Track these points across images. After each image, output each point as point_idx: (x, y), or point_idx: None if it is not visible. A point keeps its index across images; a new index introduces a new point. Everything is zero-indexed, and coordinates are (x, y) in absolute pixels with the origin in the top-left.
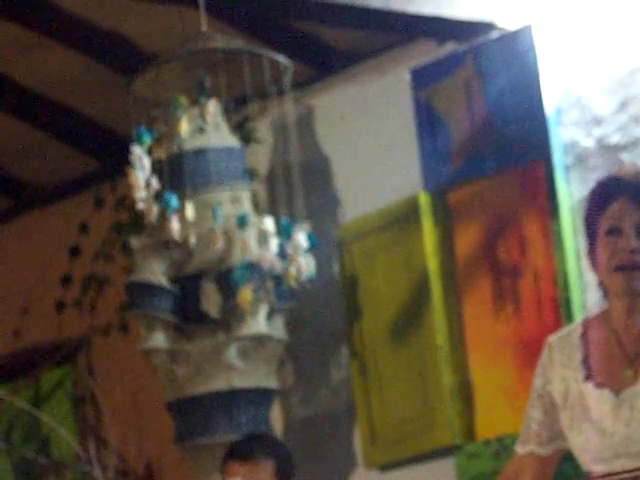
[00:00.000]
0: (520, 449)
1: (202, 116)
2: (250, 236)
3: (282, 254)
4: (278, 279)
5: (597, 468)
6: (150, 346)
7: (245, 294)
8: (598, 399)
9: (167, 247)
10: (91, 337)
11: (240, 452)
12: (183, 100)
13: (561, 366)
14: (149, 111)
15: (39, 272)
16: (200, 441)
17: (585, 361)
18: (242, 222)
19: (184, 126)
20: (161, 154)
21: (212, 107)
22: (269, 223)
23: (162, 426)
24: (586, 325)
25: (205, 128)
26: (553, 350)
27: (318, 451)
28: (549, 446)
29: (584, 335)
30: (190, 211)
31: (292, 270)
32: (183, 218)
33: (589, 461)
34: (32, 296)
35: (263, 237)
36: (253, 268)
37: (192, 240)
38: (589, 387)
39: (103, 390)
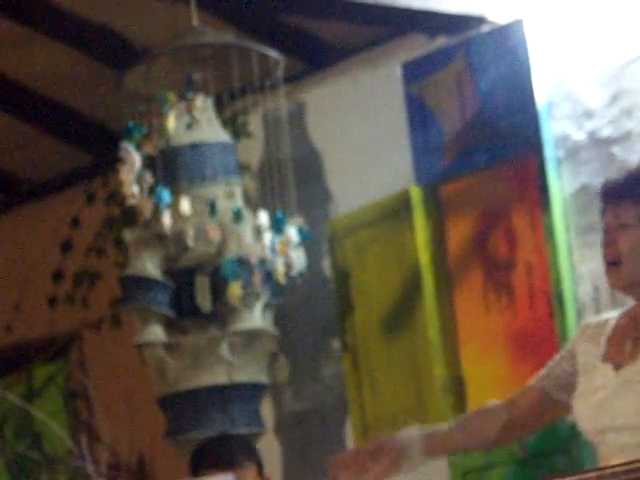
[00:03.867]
0: (534, 381)
1: (189, 111)
2: (245, 231)
3: (275, 248)
4: (269, 274)
5: (592, 438)
6: (147, 340)
7: (234, 289)
8: (601, 371)
9: (162, 241)
10: (83, 332)
11: (223, 459)
12: (171, 96)
13: (587, 340)
14: (140, 106)
15: (31, 267)
16: (194, 435)
17: (608, 339)
18: (237, 216)
19: (171, 122)
20: (150, 150)
21: (200, 102)
22: (264, 217)
23: (154, 420)
24: (621, 314)
25: (192, 123)
26: (587, 327)
27: (310, 445)
28: (558, 393)
29: (617, 320)
30: (186, 206)
31: (280, 265)
32: (176, 212)
33: (586, 430)
34: (24, 291)
35: (257, 232)
36: (242, 263)
37: (190, 234)
38: (599, 360)
39: (95, 385)
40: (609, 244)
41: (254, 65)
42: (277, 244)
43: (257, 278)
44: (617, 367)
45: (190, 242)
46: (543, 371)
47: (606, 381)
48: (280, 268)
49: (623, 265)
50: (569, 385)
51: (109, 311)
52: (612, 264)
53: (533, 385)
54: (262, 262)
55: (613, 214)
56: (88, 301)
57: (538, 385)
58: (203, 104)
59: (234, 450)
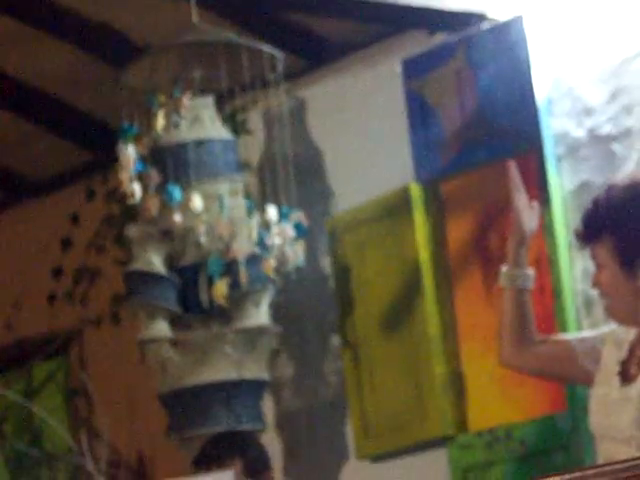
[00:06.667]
0: (570, 336)
1: (177, 110)
2: (254, 226)
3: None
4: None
5: (598, 442)
6: (153, 336)
7: (219, 288)
8: (613, 382)
9: (166, 237)
10: (83, 329)
11: (206, 458)
12: (160, 97)
13: (612, 343)
14: (133, 105)
15: (30, 264)
16: (197, 432)
17: (629, 345)
18: (250, 212)
19: (160, 121)
20: (142, 149)
21: (187, 101)
22: (272, 213)
23: (154, 417)
24: None
25: (180, 122)
26: (616, 329)
27: (310, 442)
28: (584, 359)
29: None
30: (198, 202)
31: (271, 261)
32: (184, 209)
33: (594, 433)
34: (23, 288)
35: (263, 227)
36: (228, 261)
37: (201, 231)
38: (617, 367)
39: (95, 382)
40: (595, 282)
41: (254, 62)
42: (268, 240)
43: (243, 276)
44: (623, 382)
45: (202, 239)
46: (578, 335)
47: (613, 393)
48: (271, 264)
49: (611, 300)
50: (595, 361)
51: (109, 308)
52: (604, 296)
53: (565, 340)
54: (254, 258)
55: (592, 254)
56: (88, 298)
57: (571, 342)
58: (192, 102)
59: (218, 449)
